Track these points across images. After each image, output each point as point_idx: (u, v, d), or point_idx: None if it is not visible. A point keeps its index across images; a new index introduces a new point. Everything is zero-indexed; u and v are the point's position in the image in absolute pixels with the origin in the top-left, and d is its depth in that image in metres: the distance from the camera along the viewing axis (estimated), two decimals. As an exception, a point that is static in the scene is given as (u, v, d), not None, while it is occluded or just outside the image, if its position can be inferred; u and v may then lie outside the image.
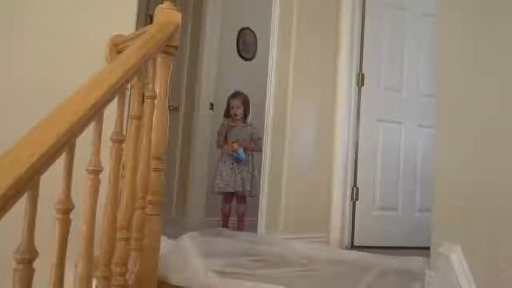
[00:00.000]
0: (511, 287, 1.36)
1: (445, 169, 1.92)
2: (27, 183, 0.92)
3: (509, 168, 1.41)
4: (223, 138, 3.70)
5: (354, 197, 3.15)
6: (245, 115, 3.75)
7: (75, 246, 1.19)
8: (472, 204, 1.64)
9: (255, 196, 3.37)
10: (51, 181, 1.07)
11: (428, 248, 2.02)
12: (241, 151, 3.59)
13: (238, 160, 3.58)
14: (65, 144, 1.06)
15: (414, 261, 2.36)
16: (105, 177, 1.29)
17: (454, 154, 1.84)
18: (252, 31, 4.59)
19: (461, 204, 1.74)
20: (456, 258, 1.64)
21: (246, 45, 4.56)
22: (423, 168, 3.25)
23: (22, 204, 0.96)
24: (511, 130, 1.40)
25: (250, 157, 3.68)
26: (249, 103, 3.75)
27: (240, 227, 3.63)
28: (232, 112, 3.70)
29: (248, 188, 3.59)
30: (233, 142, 3.61)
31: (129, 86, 1.49)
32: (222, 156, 3.68)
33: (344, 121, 3.17)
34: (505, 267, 1.40)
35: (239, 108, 3.70)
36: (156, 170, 1.67)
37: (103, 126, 1.26)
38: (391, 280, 2.08)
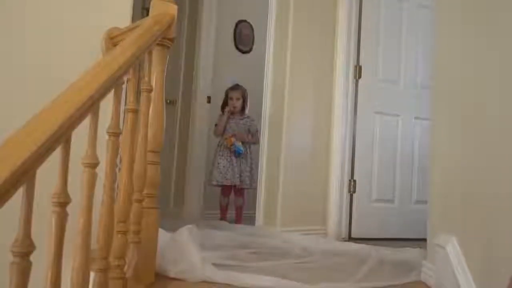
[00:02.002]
0: (506, 278, 1.37)
1: (441, 161, 1.92)
2: (23, 177, 0.92)
3: (505, 160, 1.41)
4: (222, 128, 3.68)
5: (352, 190, 3.16)
6: (243, 108, 3.75)
7: (72, 240, 1.19)
8: (468, 196, 1.65)
9: (254, 189, 3.37)
10: (48, 175, 1.07)
11: (424, 240, 2.03)
12: (239, 144, 3.59)
13: (237, 154, 3.58)
14: (61, 137, 1.06)
15: (411, 253, 2.37)
16: (101, 170, 1.29)
17: (450, 146, 1.85)
18: (249, 24, 4.57)
19: (457, 196, 1.74)
20: (452, 249, 1.65)
21: (243, 37, 4.55)
22: (420, 160, 3.26)
23: (19, 197, 0.96)
24: (509, 123, 1.40)
25: (248, 149, 3.68)
26: (247, 96, 3.76)
27: (238, 220, 3.64)
28: (230, 104, 3.70)
29: (246, 181, 3.60)
30: (230, 136, 3.61)
31: (125, 79, 1.49)
32: (219, 148, 3.68)
33: (342, 113, 3.17)
34: (500, 258, 1.41)
35: (238, 100, 3.70)
36: (153, 163, 1.67)
37: (100, 119, 1.26)
38: (388, 271, 2.10)
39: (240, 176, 3.59)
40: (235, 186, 3.62)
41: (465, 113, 1.73)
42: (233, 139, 3.58)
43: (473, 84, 1.68)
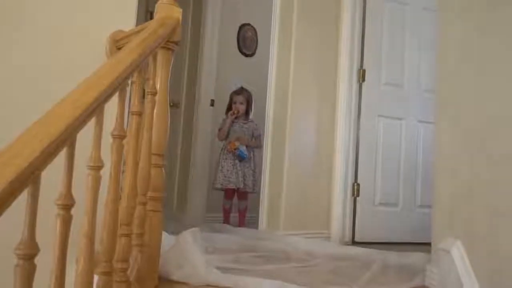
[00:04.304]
0: (511, 280, 1.36)
1: (446, 165, 1.92)
2: (28, 179, 0.92)
3: (509, 163, 1.40)
4: (226, 132, 3.68)
5: (355, 193, 3.15)
6: (247, 112, 3.75)
7: (76, 242, 1.19)
8: (473, 199, 1.64)
9: (257, 193, 3.37)
10: (52, 177, 1.07)
11: (429, 244, 2.02)
12: (243, 148, 3.58)
13: (241, 158, 3.57)
14: (66, 140, 1.06)
15: (415, 257, 2.36)
16: (106, 173, 1.29)
17: (454, 149, 1.84)
18: (253, 27, 4.57)
19: (461, 199, 1.73)
20: (457, 253, 1.64)
21: (247, 41, 4.55)
22: (424, 163, 3.25)
23: (23, 200, 0.96)
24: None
25: (252, 153, 3.68)
26: (252, 100, 3.75)
27: (241, 223, 3.63)
28: (234, 107, 3.70)
29: (249, 184, 3.59)
30: (234, 140, 3.61)
31: (129, 81, 1.49)
32: (223, 152, 3.67)
33: (345, 117, 3.16)
34: (506, 262, 1.40)
35: (242, 104, 3.69)
36: (157, 166, 1.67)
37: (104, 122, 1.26)
38: (392, 275, 2.09)
39: (244, 179, 3.59)
40: (238, 189, 3.62)
41: (470, 116, 1.72)
42: (236, 143, 3.58)
43: (477, 86, 1.68)
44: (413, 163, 3.31)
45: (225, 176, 3.58)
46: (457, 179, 1.80)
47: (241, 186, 3.58)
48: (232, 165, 3.59)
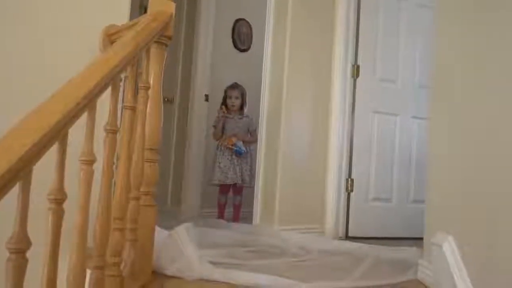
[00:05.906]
0: (502, 275, 1.37)
1: (439, 161, 1.93)
2: (19, 173, 0.92)
3: (503, 159, 1.41)
4: (220, 130, 3.68)
5: (349, 188, 3.16)
6: (242, 107, 3.74)
7: (69, 237, 1.19)
8: (465, 195, 1.65)
9: (253, 187, 3.37)
10: (44, 171, 1.06)
11: (422, 239, 2.04)
12: (240, 144, 3.59)
13: (238, 154, 3.58)
14: (58, 134, 1.06)
15: (408, 251, 2.38)
16: (99, 167, 1.29)
17: (447, 146, 1.85)
18: (248, 22, 4.56)
19: (454, 195, 1.75)
20: (449, 247, 1.66)
21: (242, 36, 4.54)
22: (418, 159, 3.26)
23: (15, 194, 0.96)
24: (507, 122, 1.40)
25: (248, 148, 3.68)
26: (246, 95, 3.75)
27: (235, 218, 3.64)
28: (229, 102, 3.70)
29: (247, 179, 3.60)
30: (230, 136, 3.61)
31: (122, 76, 1.48)
32: (219, 148, 3.67)
33: (339, 112, 3.16)
34: (496, 256, 1.41)
35: (237, 98, 3.69)
36: (150, 161, 1.67)
37: (97, 116, 1.25)
38: (384, 269, 2.10)
39: (241, 174, 3.59)
40: (235, 184, 3.62)
41: (464, 112, 1.73)
42: (234, 139, 3.58)
43: (472, 84, 1.68)
44: (407, 158, 3.32)
45: (222, 172, 3.58)
46: (450, 175, 1.81)
47: (239, 181, 3.59)
48: (229, 160, 3.60)
